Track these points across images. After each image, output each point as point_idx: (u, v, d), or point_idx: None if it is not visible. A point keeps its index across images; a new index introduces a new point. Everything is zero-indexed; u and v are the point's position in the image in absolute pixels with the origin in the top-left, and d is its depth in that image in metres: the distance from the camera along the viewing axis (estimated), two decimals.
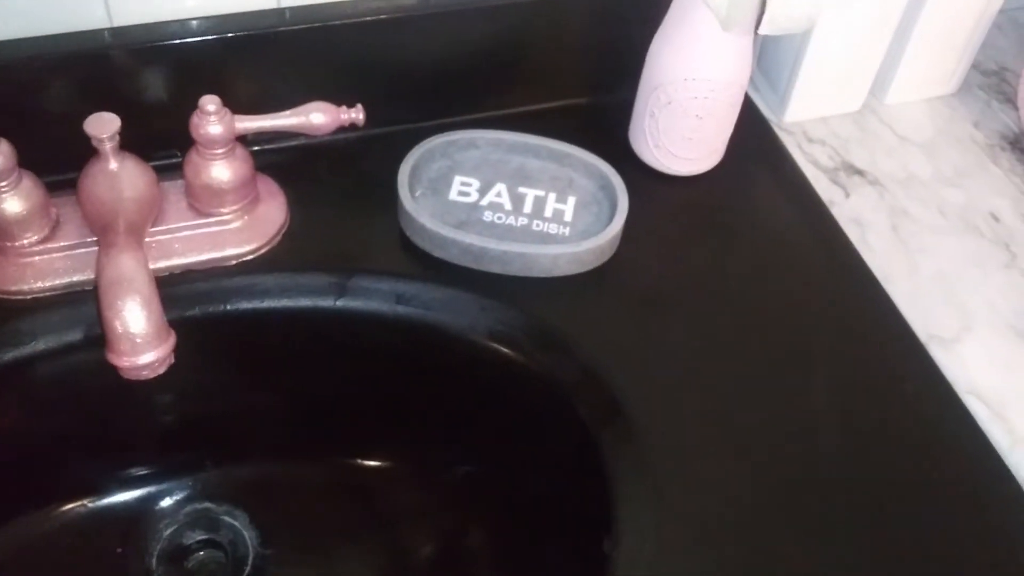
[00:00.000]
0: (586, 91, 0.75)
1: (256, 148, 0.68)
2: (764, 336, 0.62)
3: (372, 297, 0.63)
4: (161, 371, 0.53)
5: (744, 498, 0.55)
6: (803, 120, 0.77)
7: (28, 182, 0.58)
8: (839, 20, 0.70)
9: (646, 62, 0.67)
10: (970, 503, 0.56)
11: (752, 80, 0.79)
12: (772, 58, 0.77)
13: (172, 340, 0.53)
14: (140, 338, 0.51)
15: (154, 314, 0.51)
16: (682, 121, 0.67)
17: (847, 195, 0.72)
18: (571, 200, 0.67)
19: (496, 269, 0.63)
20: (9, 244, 0.59)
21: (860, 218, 0.70)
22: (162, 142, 0.65)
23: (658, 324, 0.63)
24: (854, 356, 0.62)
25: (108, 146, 0.58)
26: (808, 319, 0.64)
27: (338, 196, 0.67)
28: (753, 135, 0.75)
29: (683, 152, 0.69)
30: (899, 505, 0.55)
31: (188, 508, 0.69)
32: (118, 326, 0.50)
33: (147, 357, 0.51)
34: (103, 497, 0.68)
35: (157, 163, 0.63)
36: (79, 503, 0.67)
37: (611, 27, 0.71)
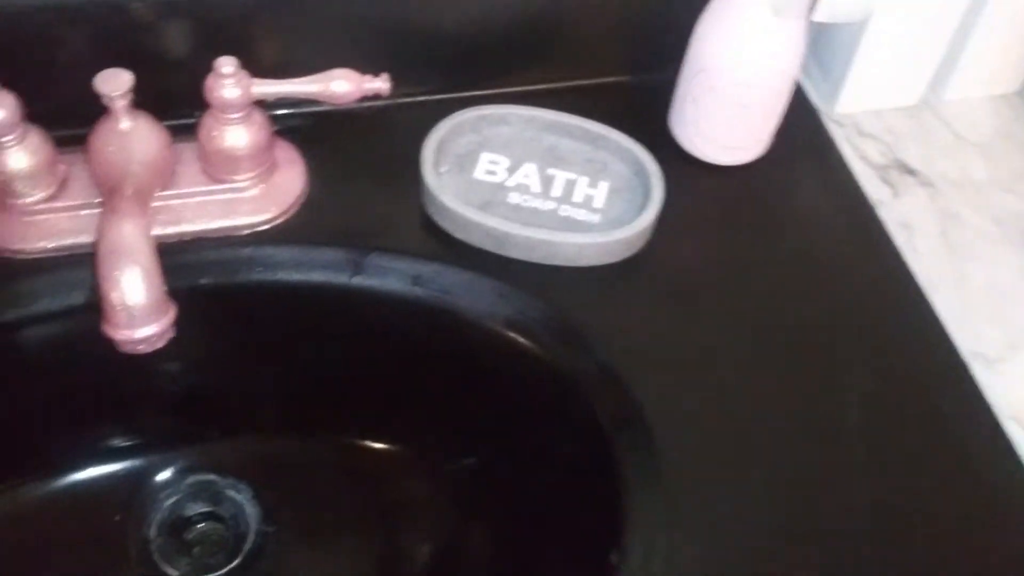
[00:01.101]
0: (628, 69, 0.71)
1: (278, 112, 0.65)
2: (797, 342, 0.59)
3: (389, 276, 0.60)
4: (159, 345, 0.51)
5: (763, 516, 0.52)
6: (855, 112, 0.73)
7: (35, 137, 0.56)
8: (900, 8, 0.66)
9: (691, 44, 0.63)
10: (1004, 537, 0.53)
11: (804, 66, 0.75)
12: (827, 44, 0.73)
13: (172, 313, 0.51)
14: (137, 311, 0.49)
15: (154, 286, 0.49)
16: (725, 108, 0.63)
17: (896, 195, 0.68)
18: (603, 185, 0.64)
19: (518, 255, 0.60)
20: (13, 201, 0.57)
21: (908, 221, 0.66)
22: (179, 101, 0.62)
23: (686, 322, 0.59)
24: (891, 368, 0.58)
25: (119, 104, 0.55)
26: (845, 326, 0.60)
27: (360, 167, 0.64)
28: (801, 125, 0.70)
29: (725, 140, 0.65)
30: (926, 533, 0.52)
31: (191, 479, 0.67)
32: (115, 298, 0.48)
33: (144, 331, 0.49)
34: (104, 464, 0.66)
35: (173, 123, 0.60)
36: (79, 469, 0.66)
37: (658, 2, 0.67)
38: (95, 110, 0.57)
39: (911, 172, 0.70)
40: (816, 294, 0.61)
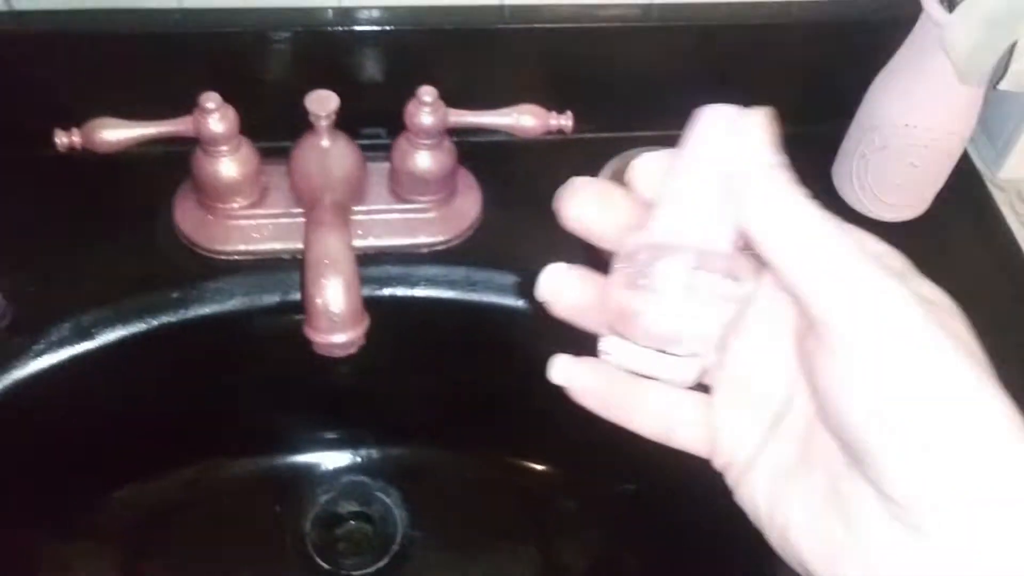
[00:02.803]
0: (795, 119, 0.71)
1: (456, 139, 0.69)
2: None
3: None
4: (352, 351, 0.54)
5: None
6: (1020, 178, 0.73)
7: (246, 149, 0.60)
8: None
9: (865, 100, 0.65)
10: None
11: None
12: (995, 108, 0.73)
13: (366, 323, 0.54)
14: (338, 318, 0.52)
15: (353, 296, 0.53)
16: (895, 167, 0.64)
17: None
18: None
19: None
20: (220, 206, 0.61)
21: None
22: (369, 122, 0.66)
23: None
24: None
25: (324, 123, 0.59)
26: None
27: (532, 197, 0.66)
28: (963, 188, 0.71)
29: (890, 198, 0.66)
30: None
31: (345, 479, 0.71)
32: (319, 303, 0.52)
33: (342, 337, 0.53)
34: (269, 457, 0.70)
35: (362, 142, 0.64)
36: (247, 458, 0.70)
37: (832, 58, 0.69)
38: (293, 126, 0.61)
39: None
40: None
